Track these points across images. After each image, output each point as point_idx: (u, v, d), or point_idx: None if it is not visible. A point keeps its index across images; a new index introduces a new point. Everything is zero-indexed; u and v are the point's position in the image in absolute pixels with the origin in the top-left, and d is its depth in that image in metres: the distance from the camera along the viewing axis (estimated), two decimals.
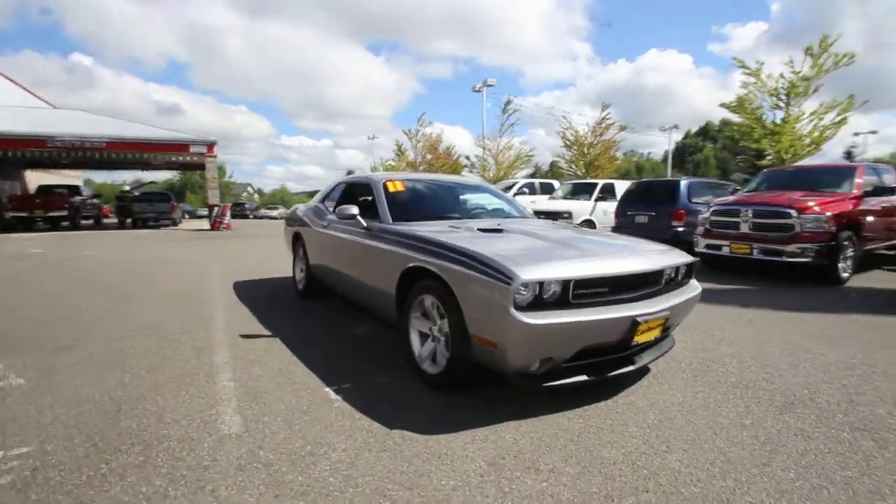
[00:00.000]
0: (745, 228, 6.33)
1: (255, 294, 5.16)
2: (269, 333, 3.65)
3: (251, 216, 39.50)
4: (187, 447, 1.97)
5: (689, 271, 2.89)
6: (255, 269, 7.13)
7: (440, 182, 4.10)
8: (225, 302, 4.77)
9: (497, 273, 2.12)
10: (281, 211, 41.24)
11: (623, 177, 18.91)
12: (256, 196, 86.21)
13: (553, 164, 25.29)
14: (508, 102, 22.53)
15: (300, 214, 4.93)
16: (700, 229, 6.86)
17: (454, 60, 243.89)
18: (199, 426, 2.17)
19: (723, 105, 12.90)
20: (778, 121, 12.10)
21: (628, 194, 9.75)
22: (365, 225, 3.37)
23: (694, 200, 8.68)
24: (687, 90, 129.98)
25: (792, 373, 2.85)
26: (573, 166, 19.49)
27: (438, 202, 3.82)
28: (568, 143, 19.56)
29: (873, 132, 40.35)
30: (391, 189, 3.60)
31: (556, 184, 14.03)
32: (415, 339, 2.78)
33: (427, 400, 2.47)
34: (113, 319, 4.06)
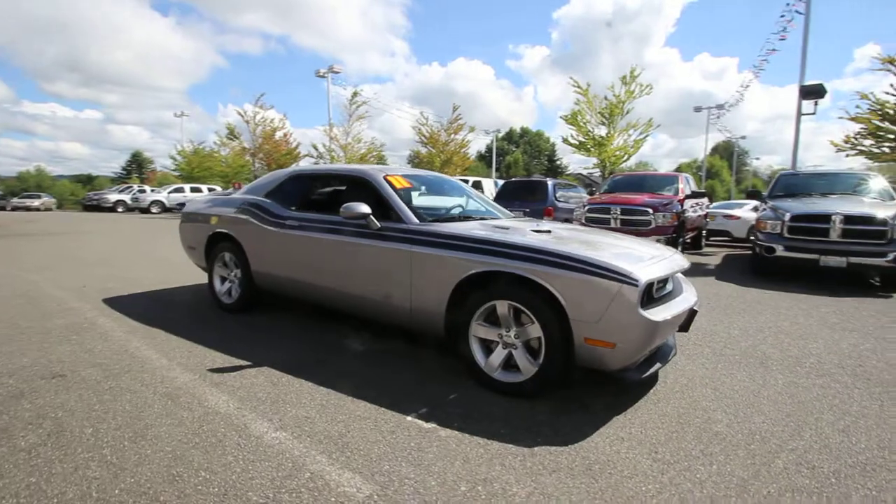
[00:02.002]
0: (614, 224, 7.63)
1: (157, 313, 3.97)
2: (249, 363, 2.90)
3: (8, 207, 29.38)
4: None
5: None
6: (109, 279, 5.44)
7: (426, 177, 3.83)
8: (127, 326, 3.55)
9: (621, 276, 2.17)
10: (45, 201, 31.77)
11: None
12: None
13: (414, 158, 25.54)
14: (355, 94, 21.92)
15: (227, 211, 3.99)
16: (576, 224, 7.99)
17: (264, 37, 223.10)
18: (315, 498, 1.64)
19: (562, 117, 15.29)
20: (604, 135, 14.96)
21: (503, 192, 10.64)
22: (378, 226, 2.96)
23: (558, 197, 10.01)
24: (490, 98, 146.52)
25: None
26: (433, 162, 20.17)
27: (445, 200, 3.58)
28: (424, 139, 20.14)
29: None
30: (396, 185, 3.23)
31: None
32: (476, 349, 2.62)
33: (519, 410, 2.36)
34: None
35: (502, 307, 2.50)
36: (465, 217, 3.32)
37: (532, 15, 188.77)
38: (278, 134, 21.93)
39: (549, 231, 2.87)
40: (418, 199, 3.39)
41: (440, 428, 2.16)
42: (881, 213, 5.78)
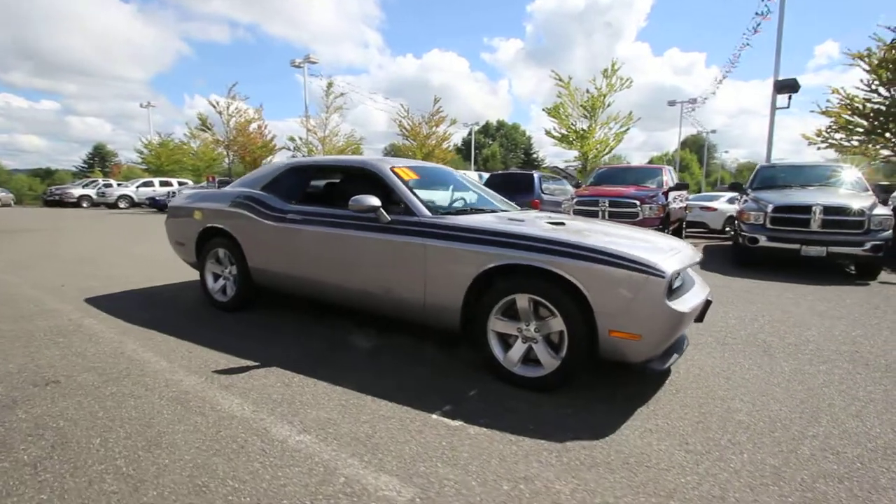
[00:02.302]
0: (602, 216, 7.71)
1: (146, 312, 3.77)
2: (255, 363, 2.78)
3: None
4: None
5: None
6: (88, 277, 5.15)
7: (429, 169, 3.75)
8: (116, 327, 3.36)
9: (649, 268, 2.17)
10: (2, 196, 30.02)
11: None
12: None
13: (391, 152, 25.19)
14: (330, 84, 21.43)
15: (220, 205, 3.81)
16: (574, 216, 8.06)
17: (232, 25, 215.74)
18: None
19: (544, 110, 15.37)
20: (585, 127, 15.12)
21: (489, 185, 10.60)
22: (388, 219, 2.88)
23: (544, 190, 10.06)
24: (465, 91, 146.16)
25: None
26: (414, 155, 19.93)
27: (449, 193, 3.51)
28: (405, 132, 19.88)
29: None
30: (405, 177, 3.14)
31: None
32: (494, 343, 2.58)
33: (541, 404, 2.34)
34: None
35: (522, 301, 2.46)
36: (475, 210, 3.26)
37: (506, 8, 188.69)
38: (253, 126, 21.22)
39: (563, 223, 2.84)
40: (423, 192, 3.31)
41: (468, 425, 2.11)
42: (858, 203, 6.02)
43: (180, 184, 23.44)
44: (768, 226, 6.43)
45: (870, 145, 9.73)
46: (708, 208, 13.42)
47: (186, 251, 4.16)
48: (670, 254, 2.41)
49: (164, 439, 1.93)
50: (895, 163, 8.89)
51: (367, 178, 3.17)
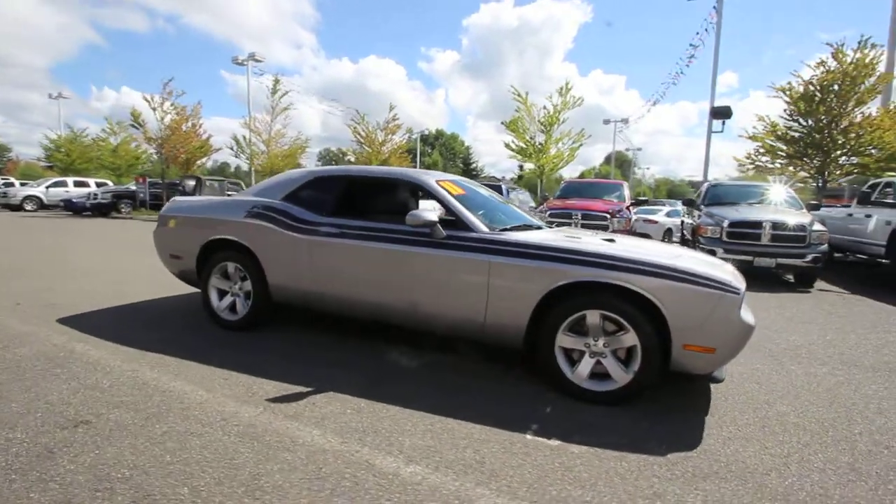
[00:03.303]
0: (575, 228, 8.08)
1: (142, 333, 3.35)
2: (307, 388, 2.58)
3: None
4: None
5: None
6: (41, 293, 4.47)
7: (465, 182, 3.70)
8: (118, 352, 2.95)
9: (724, 285, 2.32)
10: None
11: None
12: None
13: (330, 158, 24.32)
14: (277, 82, 20.45)
15: (233, 216, 3.50)
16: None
17: (149, 13, 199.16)
18: None
19: (503, 123, 15.86)
20: (542, 142, 15.78)
21: None
22: (444, 235, 2.82)
23: (511, 200, 10.34)
24: (402, 98, 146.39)
25: None
26: (370, 163, 19.43)
27: (493, 206, 3.47)
28: (360, 138, 19.37)
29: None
30: (452, 191, 3.09)
31: None
32: (562, 360, 2.62)
33: (616, 419, 2.40)
34: None
35: (593, 317, 2.52)
36: (526, 226, 3.27)
37: (443, 20, 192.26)
38: (187, 124, 19.51)
39: (613, 240, 2.96)
40: (480, 206, 3.27)
41: (567, 444, 2.12)
42: (800, 219, 6.84)
43: (98, 184, 21.11)
44: (724, 239, 7.08)
45: (790, 167, 11.12)
46: (650, 221, 14.52)
47: (183, 265, 3.77)
48: (731, 271, 2.59)
49: (264, 482, 1.74)
50: (810, 184, 10.19)
51: (412, 192, 3.08)
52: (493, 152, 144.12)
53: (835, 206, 9.48)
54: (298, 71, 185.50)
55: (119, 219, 16.85)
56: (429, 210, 2.82)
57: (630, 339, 2.46)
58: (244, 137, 21.04)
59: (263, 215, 3.37)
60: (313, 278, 3.21)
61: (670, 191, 68.01)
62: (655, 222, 14.43)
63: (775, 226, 6.79)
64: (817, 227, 6.83)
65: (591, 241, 2.78)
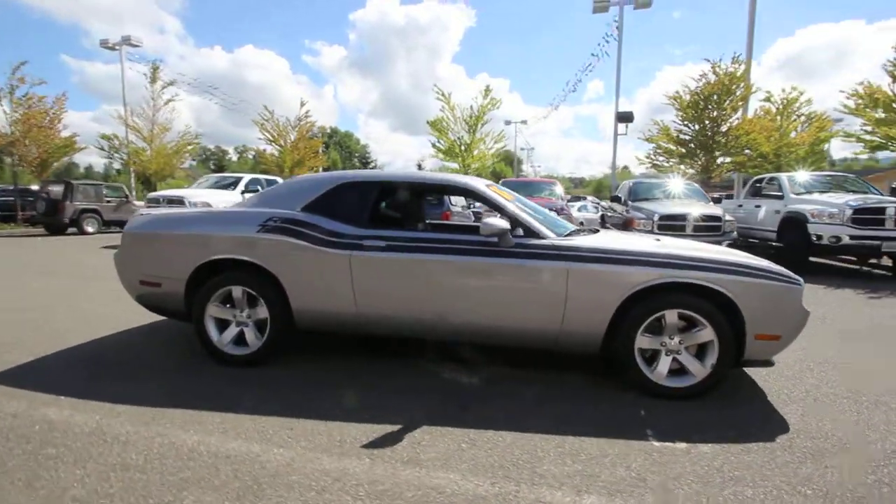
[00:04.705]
0: None
1: (129, 386, 2.66)
2: (395, 426, 2.27)
3: None
4: None
5: None
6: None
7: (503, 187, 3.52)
8: (124, 413, 2.29)
9: (789, 278, 2.56)
10: None
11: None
12: None
13: (257, 160, 21.69)
14: (156, 69, 17.78)
15: (242, 230, 2.94)
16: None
17: None
18: None
19: (428, 122, 15.74)
20: (469, 142, 16.01)
21: None
22: (513, 242, 2.70)
23: (452, 202, 10.36)
24: (287, 93, 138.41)
25: None
26: (284, 162, 17.66)
27: (539, 211, 3.34)
28: (270, 136, 17.56)
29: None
30: (506, 196, 2.95)
31: (279, 180, 12.81)
32: (640, 360, 2.67)
33: (702, 413, 2.51)
34: None
35: (671, 316, 2.61)
36: (588, 229, 3.25)
37: (328, 13, 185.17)
38: (47, 119, 15.89)
39: (658, 240, 3.09)
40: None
41: (693, 445, 2.15)
42: (716, 211, 7.90)
43: None
44: (655, 231, 7.90)
45: (682, 166, 12.81)
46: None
47: (163, 293, 3.08)
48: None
49: None
50: (696, 179, 11.87)
51: (464, 195, 2.88)
52: (390, 151, 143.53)
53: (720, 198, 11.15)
54: (162, 58, 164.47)
55: None
56: (497, 217, 2.67)
57: (707, 334, 2.58)
58: (114, 135, 17.98)
59: (286, 229, 2.89)
60: (356, 299, 2.84)
61: None
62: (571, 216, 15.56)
63: (697, 217, 7.75)
64: (728, 217, 7.94)
65: (663, 244, 2.87)
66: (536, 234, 2.77)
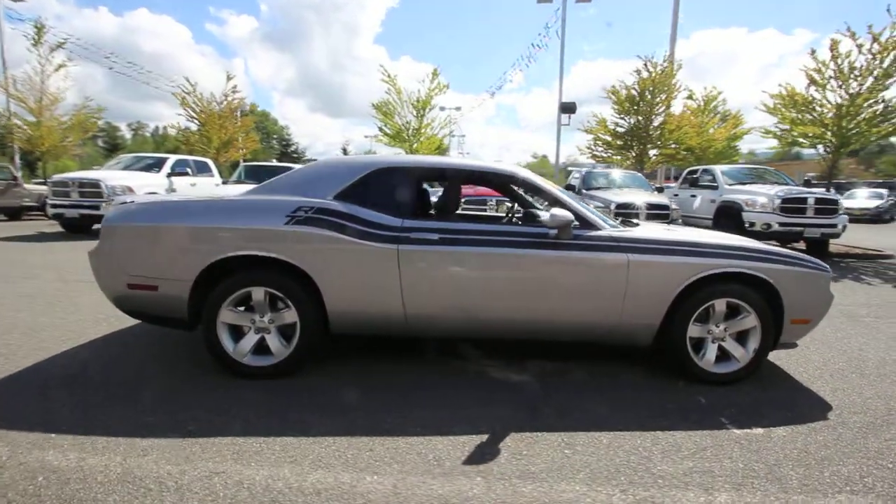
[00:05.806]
0: (490, 212, 8.38)
1: (166, 411, 2.18)
2: (483, 436, 2.09)
3: None
4: None
5: None
6: None
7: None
8: (154, 449, 1.85)
9: (820, 266, 2.76)
10: None
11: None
12: None
13: (175, 139, 18.95)
14: (41, 29, 14.97)
15: (266, 223, 2.51)
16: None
17: None
18: None
19: (373, 105, 14.97)
20: (417, 126, 15.48)
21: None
22: (573, 235, 2.61)
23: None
24: (189, 65, 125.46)
25: None
26: (210, 142, 15.65)
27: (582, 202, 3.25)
28: (192, 113, 15.51)
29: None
30: (556, 186, 2.83)
31: (209, 162, 11.53)
32: (690, 349, 2.74)
33: (750, 396, 2.64)
34: None
35: (721, 305, 2.69)
36: (624, 221, 3.22)
37: None
38: None
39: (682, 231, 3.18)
40: None
41: (768, 430, 2.24)
42: (663, 199, 8.48)
43: None
44: None
45: (618, 157, 13.62)
46: None
47: (160, 297, 2.57)
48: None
49: None
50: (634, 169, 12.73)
51: (507, 187, 2.74)
52: (309, 133, 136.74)
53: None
54: (31, 18, 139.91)
55: None
56: (561, 209, 2.55)
57: (751, 321, 2.71)
58: None
59: (321, 220, 2.52)
60: (404, 298, 2.58)
61: None
62: None
63: (648, 206, 8.27)
64: (673, 205, 8.57)
65: (712, 235, 2.95)
66: (593, 226, 2.70)
